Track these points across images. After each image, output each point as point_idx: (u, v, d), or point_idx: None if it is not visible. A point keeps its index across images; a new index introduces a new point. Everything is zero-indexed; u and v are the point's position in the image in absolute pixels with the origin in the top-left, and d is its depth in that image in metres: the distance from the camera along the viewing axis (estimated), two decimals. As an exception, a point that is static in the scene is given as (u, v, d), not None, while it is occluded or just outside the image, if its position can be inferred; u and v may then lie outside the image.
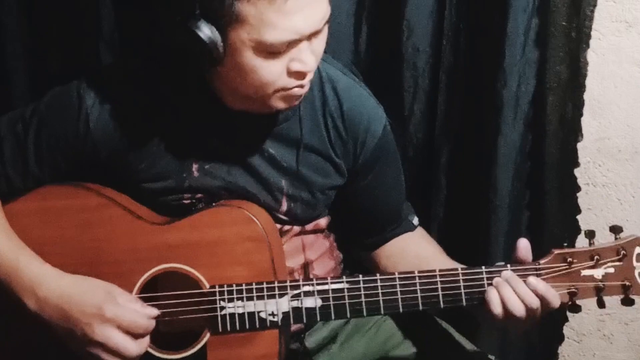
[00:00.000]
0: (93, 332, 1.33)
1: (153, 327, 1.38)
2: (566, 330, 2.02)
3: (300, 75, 1.33)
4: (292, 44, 1.29)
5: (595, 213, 1.99)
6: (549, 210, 1.87)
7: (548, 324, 1.97)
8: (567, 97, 1.81)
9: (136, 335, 1.35)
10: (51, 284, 1.36)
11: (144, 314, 1.36)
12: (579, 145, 1.85)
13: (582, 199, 1.90)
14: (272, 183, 1.48)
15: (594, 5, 1.74)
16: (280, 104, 1.38)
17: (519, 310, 1.35)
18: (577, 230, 1.90)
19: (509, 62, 1.74)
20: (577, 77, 1.79)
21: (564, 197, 1.88)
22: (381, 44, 1.80)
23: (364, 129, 1.50)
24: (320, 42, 1.34)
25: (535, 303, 1.35)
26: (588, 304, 2.03)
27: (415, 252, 1.59)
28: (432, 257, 1.55)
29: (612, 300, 2.02)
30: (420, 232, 1.66)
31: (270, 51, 1.28)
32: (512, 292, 1.35)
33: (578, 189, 1.89)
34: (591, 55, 1.78)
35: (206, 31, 1.26)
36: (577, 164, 1.87)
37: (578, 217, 1.90)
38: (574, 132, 1.84)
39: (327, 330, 1.58)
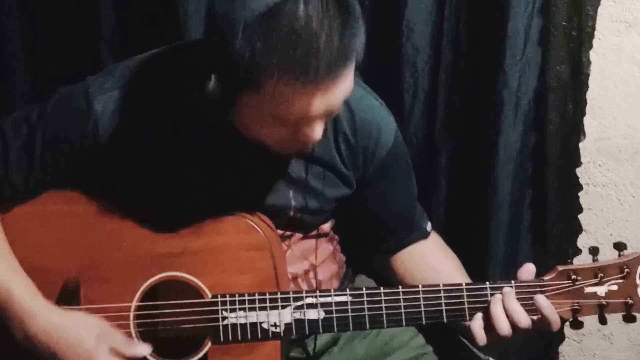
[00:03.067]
0: None
1: None
2: (566, 330, 2.02)
3: (305, 142, 1.31)
4: (304, 119, 1.26)
5: (595, 213, 1.99)
6: (550, 209, 1.87)
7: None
8: (568, 97, 1.81)
9: None
10: (41, 320, 1.34)
11: (134, 356, 1.35)
12: (579, 145, 1.86)
13: (582, 199, 1.90)
14: (280, 194, 1.46)
15: (597, 5, 1.74)
16: (280, 152, 1.37)
17: (502, 329, 1.35)
18: (579, 230, 1.91)
19: (509, 62, 1.74)
20: (578, 76, 1.79)
21: (566, 196, 1.88)
22: (381, 44, 1.80)
23: (374, 140, 1.48)
24: (334, 112, 1.31)
25: (523, 322, 1.35)
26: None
27: (433, 266, 1.58)
28: (450, 276, 1.52)
29: (612, 301, 2.03)
30: (436, 240, 1.65)
31: (279, 121, 1.26)
32: (501, 308, 1.35)
33: (580, 188, 1.89)
34: (591, 55, 1.78)
35: (215, 91, 1.24)
36: (579, 164, 1.87)
37: (578, 216, 1.90)
38: (576, 131, 1.84)
39: (330, 334, 1.57)
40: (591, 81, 1.81)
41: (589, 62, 1.78)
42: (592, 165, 1.95)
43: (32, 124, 1.42)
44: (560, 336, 2.00)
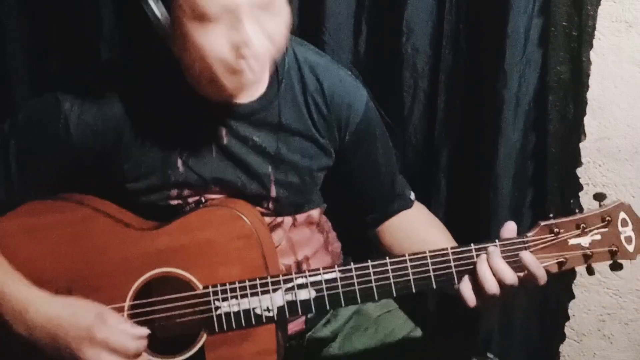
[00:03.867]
0: (84, 354, 1.33)
1: (144, 348, 1.38)
2: (566, 330, 2.02)
3: (246, 55, 1.29)
4: (230, 12, 1.26)
5: (595, 213, 1.99)
6: (550, 209, 1.87)
7: (549, 324, 1.97)
8: (568, 97, 1.81)
9: (127, 357, 1.35)
10: (39, 308, 1.36)
11: (133, 335, 1.36)
12: (579, 145, 1.86)
13: (582, 199, 1.89)
14: (259, 171, 1.48)
15: (597, 5, 1.74)
16: (230, 82, 1.34)
17: (490, 287, 1.35)
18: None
19: (509, 62, 1.74)
20: (579, 76, 1.79)
21: (566, 196, 1.87)
22: (381, 44, 1.80)
23: (346, 106, 1.51)
24: (272, 21, 1.30)
25: (509, 279, 1.35)
26: (587, 304, 2.04)
27: (419, 234, 1.60)
28: (438, 244, 1.53)
29: (612, 301, 2.03)
30: (420, 209, 1.67)
31: (205, 17, 1.26)
32: (487, 268, 1.35)
33: (580, 188, 1.89)
34: (591, 55, 1.78)
35: (152, 4, 1.29)
36: (579, 164, 1.87)
37: (578, 217, 1.90)
38: (576, 131, 1.84)
39: (329, 330, 1.59)
40: (591, 81, 1.81)
41: (589, 62, 1.78)
42: (592, 165, 1.95)
43: (5, 133, 1.44)
44: (560, 336, 2.00)
